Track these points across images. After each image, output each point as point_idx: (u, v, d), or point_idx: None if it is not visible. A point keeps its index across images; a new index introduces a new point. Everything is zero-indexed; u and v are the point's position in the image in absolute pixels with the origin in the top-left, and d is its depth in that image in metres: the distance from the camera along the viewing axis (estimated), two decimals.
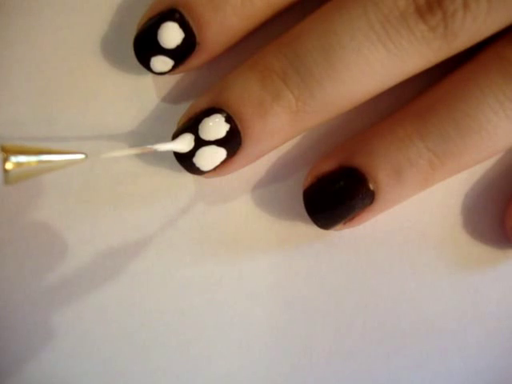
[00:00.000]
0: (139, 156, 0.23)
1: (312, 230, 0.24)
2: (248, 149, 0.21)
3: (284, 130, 0.20)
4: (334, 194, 0.21)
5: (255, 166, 0.23)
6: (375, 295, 0.24)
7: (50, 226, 0.23)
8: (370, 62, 0.19)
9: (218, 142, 0.20)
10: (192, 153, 0.21)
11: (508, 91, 0.20)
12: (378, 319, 0.24)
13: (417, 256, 0.24)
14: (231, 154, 0.21)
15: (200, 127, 0.20)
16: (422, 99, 0.21)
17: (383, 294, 0.24)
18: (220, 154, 0.20)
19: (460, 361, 0.24)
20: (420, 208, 0.24)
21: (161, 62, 0.21)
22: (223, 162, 0.21)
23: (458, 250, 0.24)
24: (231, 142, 0.20)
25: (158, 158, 0.23)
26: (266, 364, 0.24)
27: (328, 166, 0.21)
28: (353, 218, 0.22)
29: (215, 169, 0.21)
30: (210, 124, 0.20)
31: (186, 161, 0.21)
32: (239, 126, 0.20)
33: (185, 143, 0.20)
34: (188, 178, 0.23)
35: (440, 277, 0.24)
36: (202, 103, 0.21)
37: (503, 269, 0.24)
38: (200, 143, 0.20)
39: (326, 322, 0.24)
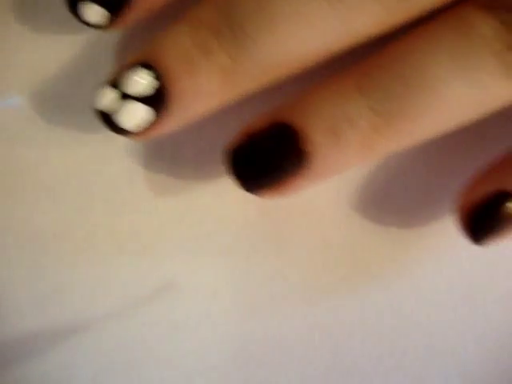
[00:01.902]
0: (136, 161, 0.23)
1: (309, 242, 0.23)
2: (175, 109, 0.19)
3: (215, 90, 0.19)
4: (263, 151, 0.19)
5: None
6: (374, 311, 0.23)
7: (44, 233, 0.23)
8: (310, 18, 0.18)
9: (142, 99, 0.19)
10: (113, 108, 0.19)
11: (461, 48, 0.18)
12: (376, 336, 0.23)
13: (416, 270, 0.23)
14: (157, 113, 0.19)
15: (124, 81, 0.19)
16: (368, 58, 0.19)
17: (382, 310, 0.23)
18: (144, 111, 0.19)
19: (460, 380, 0.24)
20: (420, 216, 0.23)
21: (92, 10, 0.19)
22: (150, 124, 0.19)
23: (460, 263, 0.23)
24: (157, 100, 0.19)
25: (155, 162, 0.23)
26: (262, 380, 0.23)
27: (259, 123, 0.19)
28: (285, 183, 0.19)
29: (141, 131, 0.19)
30: (134, 78, 0.19)
31: (107, 117, 0.19)
32: (166, 83, 0.19)
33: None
34: (185, 184, 0.23)
35: (440, 292, 0.23)
36: (131, 58, 0.19)
37: (505, 286, 0.24)
38: (122, 97, 0.19)
39: (322, 338, 0.23)
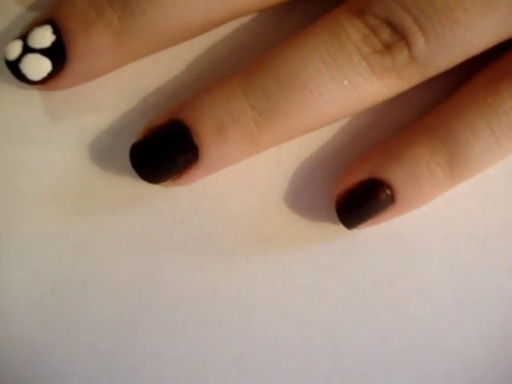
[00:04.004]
0: None
1: (312, 244, 0.23)
2: (73, 64, 0.21)
3: (109, 50, 0.21)
4: (159, 146, 0.21)
5: (253, 176, 0.23)
6: (377, 312, 0.23)
7: (44, 233, 0.23)
8: None
9: (43, 52, 0.21)
10: (19, 59, 0.21)
11: (333, 51, 0.20)
12: (379, 337, 0.23)
13: (420, 273, 0.23)
14: (58, 67, 0.21)
15: (28, 34, 0.21)
16: (256, 58, 0.21)
17: (385, 311, 0.23)
18: (45, 64, 0.21)
19: (463, 380, 0.23)
20: (423, 223, 0.23)
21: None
22: (52, 76, 0.21)
23: (461, 268, 0.23)
24: (56, 54, 0.21)
25: None
26: (261, 380, 0.23)
27: (159, 119, 0.21)
28: (181, 175, 0.21)
29: (45, 82, 0.21)
30: (37, 32, 0.21)
31: (13, 66, 0.21)
32: (64, 39, 0.21)
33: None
34: (186, 188, 0.23)
35: (444, 294, 0.23)
36: (38, 16, 0.21)
37: (505, 288, 0.23)
38: (26, 50, 0.21)
39: (325, 339, 0.23)
